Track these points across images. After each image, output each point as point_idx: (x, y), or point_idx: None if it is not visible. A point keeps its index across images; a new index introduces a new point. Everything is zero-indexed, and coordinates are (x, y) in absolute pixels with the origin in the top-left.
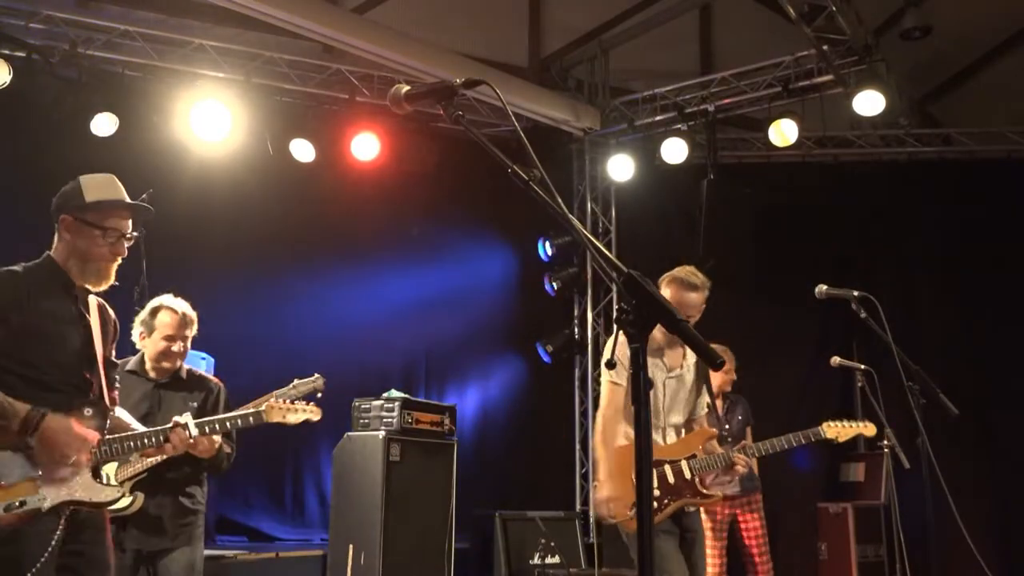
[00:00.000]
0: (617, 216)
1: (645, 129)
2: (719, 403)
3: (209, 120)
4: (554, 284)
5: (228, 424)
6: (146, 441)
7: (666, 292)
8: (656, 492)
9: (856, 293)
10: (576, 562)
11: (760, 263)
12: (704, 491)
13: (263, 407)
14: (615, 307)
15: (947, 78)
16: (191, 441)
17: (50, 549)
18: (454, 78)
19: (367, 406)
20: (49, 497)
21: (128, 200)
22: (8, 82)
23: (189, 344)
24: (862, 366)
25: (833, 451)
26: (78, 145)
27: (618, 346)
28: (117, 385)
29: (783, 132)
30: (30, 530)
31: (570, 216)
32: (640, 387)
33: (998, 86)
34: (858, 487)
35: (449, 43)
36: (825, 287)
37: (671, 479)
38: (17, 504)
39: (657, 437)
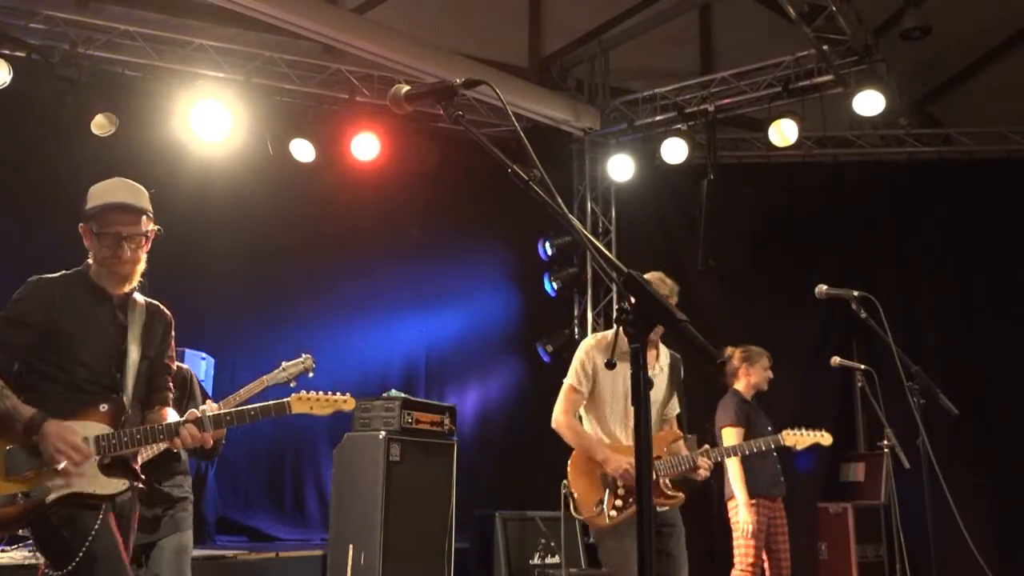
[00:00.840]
0: (617, 216)
1: (645, 129)
2: (757, 406)
3: (209, 120)
4: (554, 284)
5: (248, 417)
6: (158, 434)
7: None
8: (621, 492)
9: (856, 293)
10: (576, 562)
11: (760, 263)
12: (668, 492)
13: (288, 399)
14: (615, 307)
15: (947, 78)
16: (202, 436)
17: (92, 536)
18: (454, 78)
19: (367, 406)
20: (55, 490)
21: (124, 201)
22: (8, 82)
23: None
24: (862, 366)
25: (833, 451)
26: (78, 145)
27: (584, 353)
28: (171, 387)
29: (783, 132)
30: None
31: (570, 216)
32: (640, 387)
33: (998, 86)
34: (858, 487)
35: (449, 43)
36: (825, 287)
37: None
38: (20, 495)
39: (625, 436)
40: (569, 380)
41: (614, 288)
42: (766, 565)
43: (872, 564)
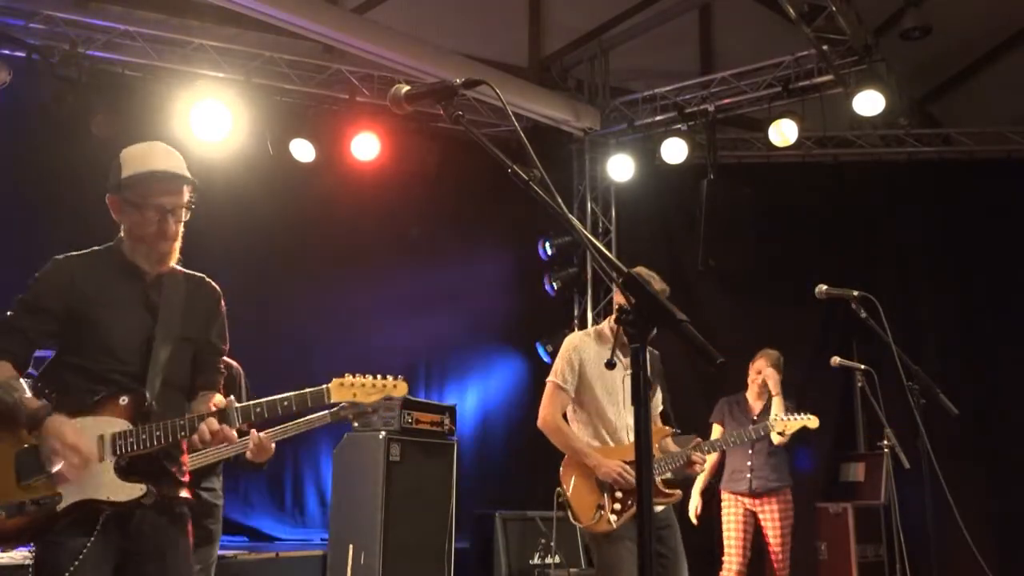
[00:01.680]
0: (617, 216)
1: (645, 129)
2: (759, 403)
3: (209, 120)
4: (554, 284)
5: (281, 408)
6: (179, 430)
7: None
8: (619, 495)
9: (856, 293)
10: (576, 562)
11: (760, 263)
12: (664, 490)
13: (328, 385)
14: (615, 307)
15: (947, 78)
16: (224, 431)
17: (80, 558)
18: (454, 78)
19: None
20: (66, 496)
21: (167, 168)
22: (8, 82)
23: None
24: (862, 366)
25: (833, 451)
26: (78, 145)
27: (571, 350)
28: (223, 369)
29: (783, 132)
30: (58, 537)
31: (570, 216)
32: (641, 387)
33: (998, 86)
34: (858, 487)
35: (449, 43)
36: (825, 287)
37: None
38: (29, 503)
39: (623, 435)
40: (553, 378)
41: (614, 288)
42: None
43: (872, 564)
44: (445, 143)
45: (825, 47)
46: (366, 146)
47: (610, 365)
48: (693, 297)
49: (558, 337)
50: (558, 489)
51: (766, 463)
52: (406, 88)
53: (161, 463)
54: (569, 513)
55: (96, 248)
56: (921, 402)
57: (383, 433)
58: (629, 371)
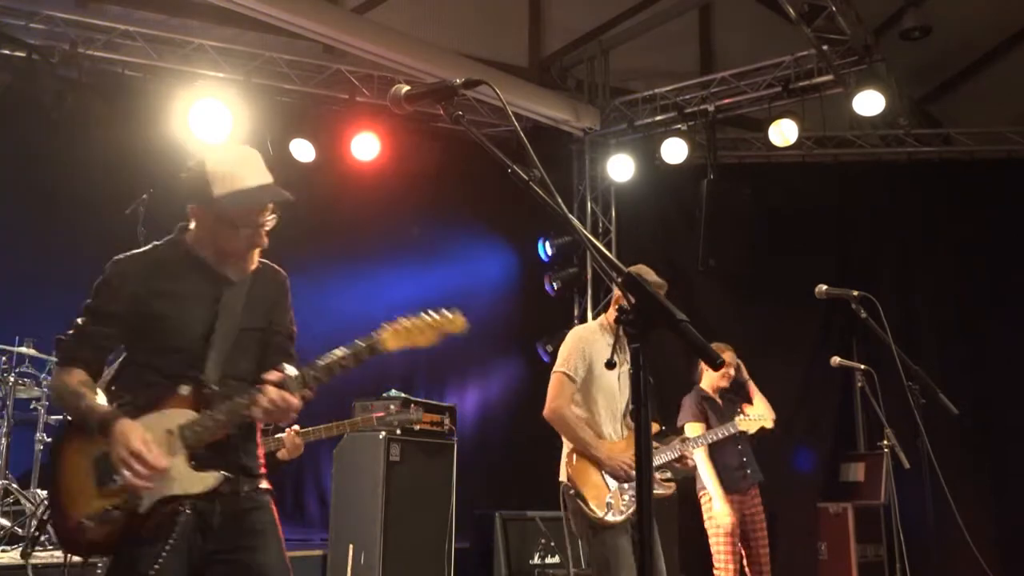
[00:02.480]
0: (617, 216)
1: (645, 129)
2: (719, 401)
3: (209, 120)
4: (554, 284)
5: (339, 368)
6: (241, 407)
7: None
8: (625, 487)
9: (856, 293)
10: (576, 562)
11: (760, 263)
12: (657, 487)
13: (381, 335)
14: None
15: (947, 78)
16: (284, 398)
17: (163, 556)
18: (454, 78)
19: (367, 406)
20: (146, 497)
21: (262, 183)
22: (8, 82)
23: None
24: (862, 366)
25: (833, 451)
26: (78, 145)
27: (581, 341)
28: (292, 352)
29: (783, 132)
30: (142, 539)
31: (570, 216)
32: (641, 387)
33: (998, 86)
34: (858, 487)
35: (449, 43)
36: (825, 287)
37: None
38: (112, 509)
39: (615, 430)
40: (562, 368)
41: (614, 288)
42: (745, 563)
43: (872, 564)
44: (445, 143)
45: (825, 47)
46: (366, 146)
47: (610, 365)
48: (693, 297)
49: (558, 337)
50: (565, 483)
51: (752, 452)
52: (406, 88)
53: (237, 455)
54: (581, 504)
55: (156, 243)
56: (921, 402)
57: (383, 433)
58: (624, 367)
